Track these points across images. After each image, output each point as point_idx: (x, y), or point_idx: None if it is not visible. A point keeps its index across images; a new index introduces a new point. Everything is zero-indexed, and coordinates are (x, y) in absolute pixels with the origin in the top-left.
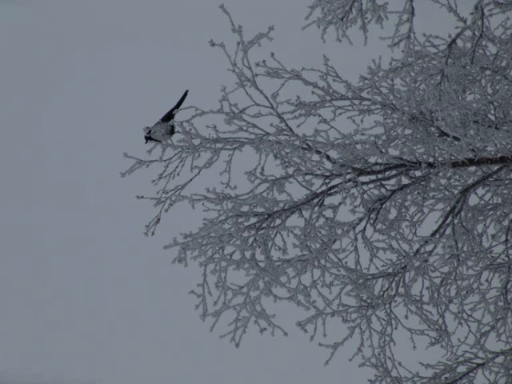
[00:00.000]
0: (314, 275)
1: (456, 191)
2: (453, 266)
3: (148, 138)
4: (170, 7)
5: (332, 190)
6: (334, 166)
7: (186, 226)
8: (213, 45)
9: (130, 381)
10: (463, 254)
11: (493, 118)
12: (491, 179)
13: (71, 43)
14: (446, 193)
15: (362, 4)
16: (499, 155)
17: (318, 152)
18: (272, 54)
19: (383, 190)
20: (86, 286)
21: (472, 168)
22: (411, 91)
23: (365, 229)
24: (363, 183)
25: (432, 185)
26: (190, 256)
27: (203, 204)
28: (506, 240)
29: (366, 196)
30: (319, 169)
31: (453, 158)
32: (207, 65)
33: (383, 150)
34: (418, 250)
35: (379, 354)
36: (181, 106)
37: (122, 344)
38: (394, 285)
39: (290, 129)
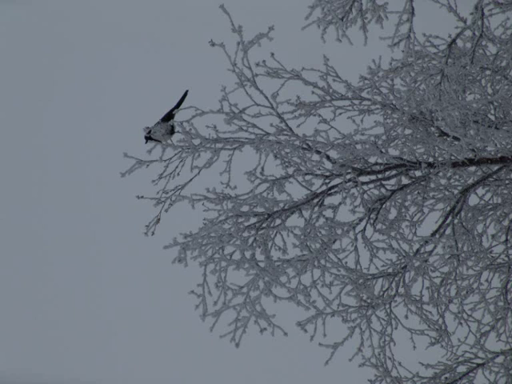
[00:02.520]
0: (314, 275)
1: (456, 191)
2: (453, 265)
3: (148, 138)
4: (170, 7)
5: (332, 190)
6: (334, 166)
7: (186, 225)
8: (213, 45)
9: (130, 381)
10: (463, 254)
11: (493, 118)
12: (491, 179)
13: (71, 43)
14: (446, 193)
15: (362, 4)
16: (499, 155)
17: (318, 152)
18: (272, 54)
19: (383, 190)
20: (85, 286)
21: (472, 168)
22: (411, 91)
23: (365, 229)
24: (363, 183)
25: (432, 185)
26: (190, 256)
27: (203, 204)
28: (506, 240)
29: (366, 196)
30: (319, 169)
31: (453, 157)
32: (207, 65)
33: (383, 150)
34: (418, 250)
35: (379, 354)
36: (181, 106)
37: (122, 344)
38: (394, 285)
39: (290, 129)
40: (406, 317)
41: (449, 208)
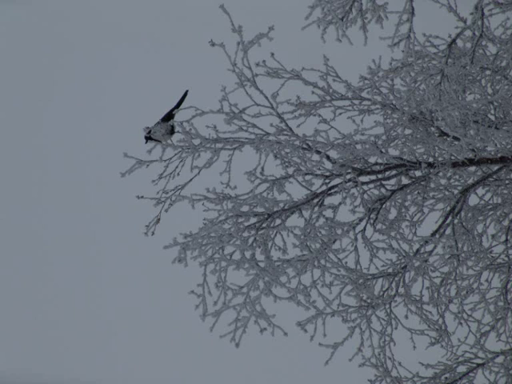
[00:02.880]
0: (314, 275)
1: (456, 191)
2: (453, 265)
3: (148, 138)
4: (170, 7)
5: (332, 190)
6: (334, 166)
7: (186, 225)
8: (213, 45)
9: (130, 381)
10: (463, 254)
11: (493, 118)
12: (491, 179)
13: (71, 43)
14: (446, 193)
15: (362, 4)
16: (499, 155)
17: (318, 152)
18: (272, 54)
19: (383, 190)
20: (86, 285)
21: (472, 168)
22: (411, 91)
23: (365, 229)
24: (363, 183)
25: (432, 185)
26: (190, 256)
27: (203, 204)
28: (506, 240)
29: (366, 196)
30: (319, 169)
31: (453, 158)
32: (207, 65)
33: (383, 150)
34: (418, 250)
35: (379, 354)
36: (181, 106)
37: (122, 344)
38: (394, 285)
39: (290, 129)
40: (406, 317)
41: (449, 208)
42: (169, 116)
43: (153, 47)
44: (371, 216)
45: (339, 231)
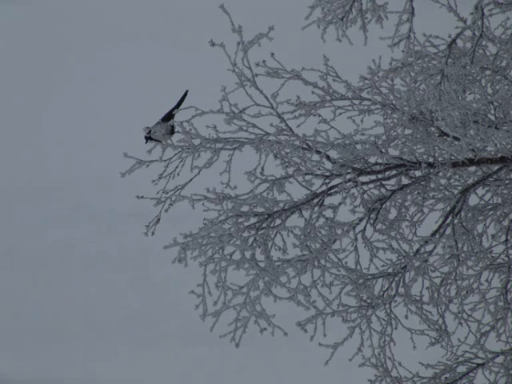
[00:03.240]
0: (314, 275)
1: (456, 191)
2: (453, 265)
3: (148, 138)
4: (170, 7)
5: (332, 190)
6: (334, 166)
7: (186, 226)
8: (213, 45)
9: (130, 381)
10: (463, 254)
11: (493, 118)
12: (491, 179)
13: (71, 43)
14: (446, 193)
15: (362, 4)
16: (499, 155)
17: (318, 152)
18: (272, 54)
19: (383, 190)
20: (85, 285)
21: (472, 168)
22: (411, 91)
23: (365, 229)
24: (363, 183)
25: (432, 185)
26: (190, 256)
27: (203, 204)
28: (506, 240)
29: (366, 196)
30: (319, 169)
31: (453, 158)
32: (207, 65)
33: (383, 150)
34: (418, 250)
35: (379, 354)
36: (181, 106)
37: (122, 344)
38: (394, 285)
39: (290, 129)
40: (406, 317)
41: (449, 208)
42: (169, 116)
43: (153, 47)
44: (371, 216)
45: (339, 231)
